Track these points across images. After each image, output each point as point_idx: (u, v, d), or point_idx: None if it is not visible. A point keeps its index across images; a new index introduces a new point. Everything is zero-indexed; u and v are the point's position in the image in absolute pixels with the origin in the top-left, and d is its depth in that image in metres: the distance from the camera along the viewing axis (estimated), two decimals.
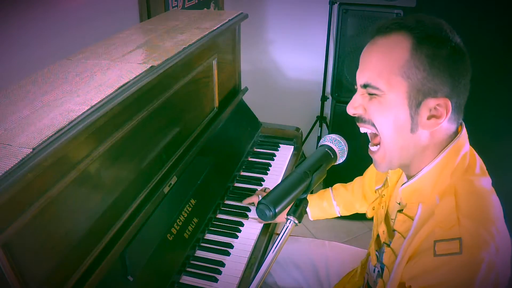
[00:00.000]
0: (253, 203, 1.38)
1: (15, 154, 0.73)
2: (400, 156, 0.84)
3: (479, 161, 0.86)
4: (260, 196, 1.34)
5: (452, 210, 0.76)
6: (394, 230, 0.91)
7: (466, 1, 2.08)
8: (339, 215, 1.36)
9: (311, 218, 1.38)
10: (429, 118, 0.79)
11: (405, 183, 0.87)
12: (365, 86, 0.81)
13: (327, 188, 1.37)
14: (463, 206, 0.76)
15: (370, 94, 0.81)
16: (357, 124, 0.87)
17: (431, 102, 0.77)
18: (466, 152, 0.83)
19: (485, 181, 0.82)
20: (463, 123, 0.85)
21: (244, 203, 1.38)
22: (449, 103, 0.77)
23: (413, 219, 0.84)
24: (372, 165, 1.23)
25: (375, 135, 0.85)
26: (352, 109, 0.84)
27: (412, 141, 0.81)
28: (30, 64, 1.27)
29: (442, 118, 0.78)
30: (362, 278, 1.14)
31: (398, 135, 0.81)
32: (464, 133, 0.84)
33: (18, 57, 1.26)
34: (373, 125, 0.83)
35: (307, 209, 1.34)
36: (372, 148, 0.87)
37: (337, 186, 1.36)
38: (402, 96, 0.78)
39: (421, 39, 0.76)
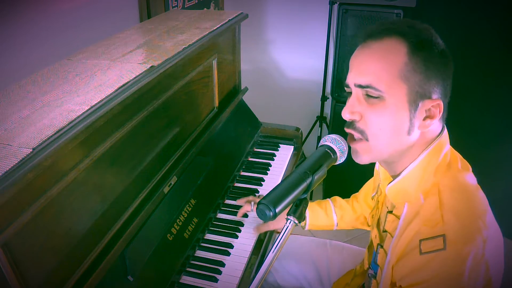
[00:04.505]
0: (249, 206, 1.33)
1: (15, 154, 0.73)
2: (389, 155, 0.86)
3: (459, 158, 0.88)
4: (253, 203, 1.30)
5: (436, 208, 0.78)
6: (385, 231, 0.93)
7: (466, 1, 2.08)
8: (336, 229, 1.31)
9: (306, 228, 1.30)
10: (424, 119, 0.81)
11: (390, 182, 0.89)
12: (363, 87, 0.80)
13: (326, 199, 1.33)
14: (446, 203, 0.78)
15: (370, 96, 0.80)
16: (345, 128, 0.86)
17: (427, 104, 0.80)
18: (447, 151, 0.86)
19: (469, 177, 0.84)
20: (444, 123, 0.88)
21: (239, 216, 1.32)
22: (442, 103, 0.81)
23: (399, 218, 0.86)
24: (368, 181, 1.24)
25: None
26: (348, 114, 0.83)
27: (406, 143, 0.83)
28: (30, 64, 1.27)
29: (435, 118, 0.81)
30: (361, 278, 1.14)
31: (395, 139, 0.82)
32: (445, 133, 0.87)
33: (18, 57, 1.26)
34: (362, 133, 0.83)
35: (306, 216, 1.28)
36: (356, 136, 0.85)
37: (337, 198, 1.32)
38: (403, 99, 0.79)
39: (416, 43, 0.78)
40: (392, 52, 0.79)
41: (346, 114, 0.84)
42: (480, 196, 0.82)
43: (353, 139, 0.86)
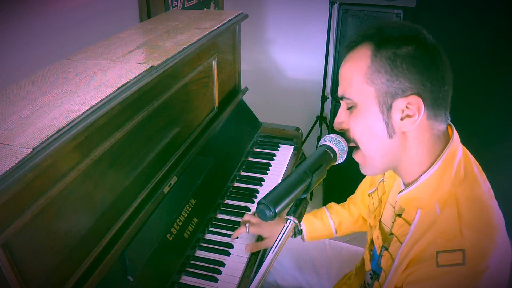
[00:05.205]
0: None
1: (15, 154, 0.73)
2: (383, 162, 0.84)
3: (474, 164, 0.86)
4: (248, 225, 1.27)
5: (454, 220, 0.77)
6: (391, 234, 0.91)
7: (466, 1, 2.08)
8: (335, 236, 1.30)
9: (305, 240, 1.28)
10: (402, 119, 0.78)
11: (402, 190, 0.86)
12: (340, 98, 0.84)
13: (322, 208, 1.32)
14: (465, 216, 0.77)
15: (348, 108, 0.84)
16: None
17: (400, 103, 0.77)
18: (461, 157, 0.83)
19: (485, 187, 0.82)
20: (453, 126, 0.84)
21: (233, 238, 1.28)
22: (420, 100, 0.76)
23: (410, 224, 0.84)
24: (364, 179, 1.24)
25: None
26: (336, 123, 0.86)
27: (393, 146, 0.81)
28: (30, 64, 1.27)
29: (415, 116, 0.77)
30: (358, 280, 1.14)
31: (377, 144, 0.82)
32: (456, 137, 0.83)
33: (18, 57, 1.26)
34: (354, 141, 0.85)
35: (303, 229, 1.27)
36: (354, 151, 0.88)
37: (332, 205, 1.32)
38: (372, 102, 0.79)
39: (380, 43, 0.77)
40: (358, 59, 0.79)
41: (335, 124, 0.87)
42: (495, 207, 0.80)
43: (354, 149, 0.87)
